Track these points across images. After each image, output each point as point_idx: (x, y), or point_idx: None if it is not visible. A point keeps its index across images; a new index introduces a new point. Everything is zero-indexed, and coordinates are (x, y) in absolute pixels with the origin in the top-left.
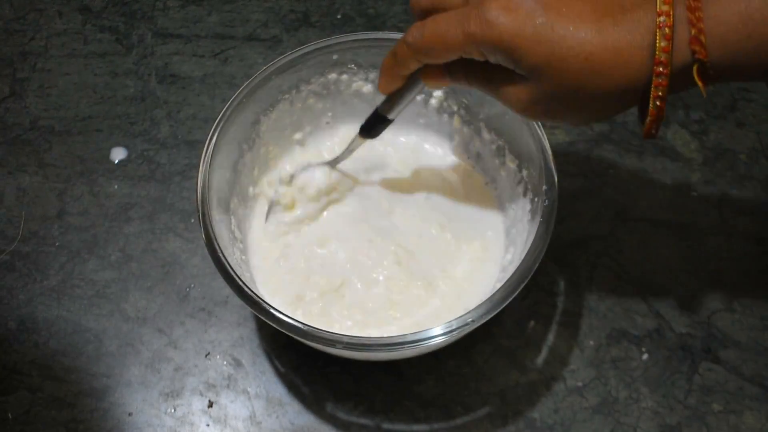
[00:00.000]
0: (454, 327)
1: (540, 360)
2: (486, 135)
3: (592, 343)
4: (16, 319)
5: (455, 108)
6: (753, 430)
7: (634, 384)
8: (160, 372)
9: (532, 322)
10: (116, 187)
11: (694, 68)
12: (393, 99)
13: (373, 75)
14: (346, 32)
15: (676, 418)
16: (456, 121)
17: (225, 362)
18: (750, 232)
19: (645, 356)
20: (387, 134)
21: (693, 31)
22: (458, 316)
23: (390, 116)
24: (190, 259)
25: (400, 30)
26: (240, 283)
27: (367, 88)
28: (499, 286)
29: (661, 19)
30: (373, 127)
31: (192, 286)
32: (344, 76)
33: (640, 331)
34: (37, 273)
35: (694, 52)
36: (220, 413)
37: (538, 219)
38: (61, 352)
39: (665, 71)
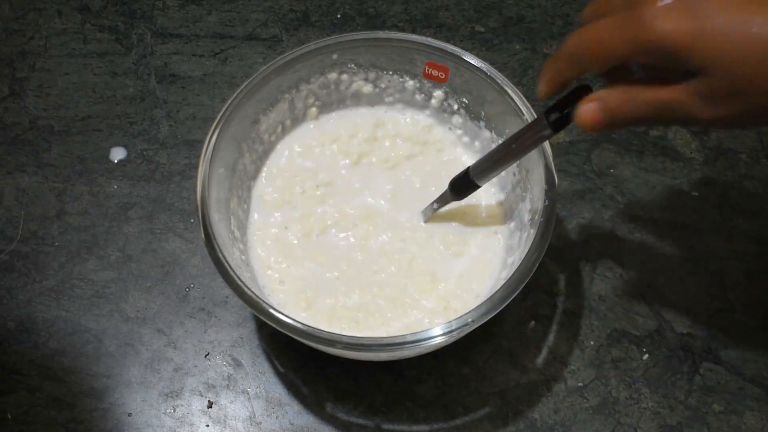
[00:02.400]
0: (454, 327)
1: (540, 360)
2: (486, 134)
3: (592, 343)
4: (15, 320)
5: (455, 107)
6: (753, 431)
7: (634, 384)
8: (160, 372)
9: (532, 322)
10: (116, 187)
11: None
12: (486, 167)
13: (372, 75)
14: (346, 32)
15: (676, 418)
16: (456, 121)
17: (225, 362)
18: (750, 232)
19: (645, 356)
20: (387, 133)
21: None
22: (458, 316)
23: (480, 184)
24: (190, 259)
25: (400, 29)
26: (239, 283)
27: (368, 88)
28: (499, 286)
29: None
30: (462, 189)
31: (192, 286)
32: (344, 76)
33: (641, 332)
34: (36, 273)
35: None
36: (220, 413)
37: (538, 219)
38: (61, 353)
39: None
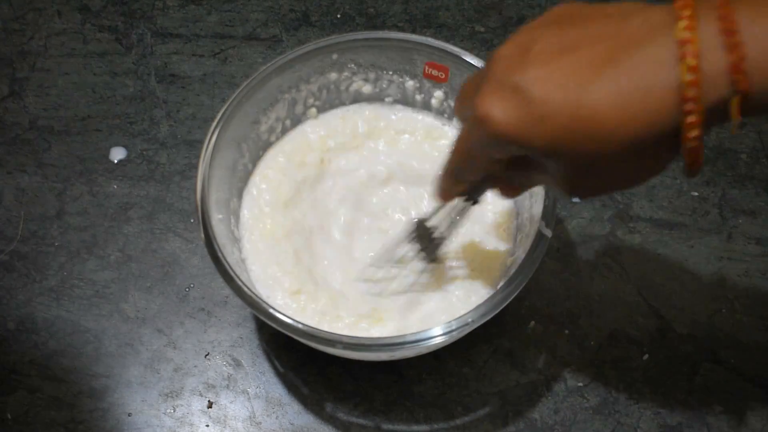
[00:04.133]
0: (453, 327)
1: (540, 360)
2: None
3: (592, 343)
4: (15, 320)
5: (453, 106)
6: (753, 431)
7: (634, 384)
8: (160, 372)
9: (532, 322)
10: (115, 186)
11: (734, 101)
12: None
13: (372, 75)
14: (346, 32)
15: (676, 418)
16: (457, 121)
17: (224, 362)
18: (750, 232)
19: (645, 356)
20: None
21: (732, 58)
22: (458, 316)
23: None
24: (190, 259)
25: (400, 29)
26: (239, 283)
27: (367, 88)
28: (499, 286)
29: (687, 48)
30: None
31: (192, 286)
32: (344, 76)
33: (641, 332)
34: (36, 273)
35: (734, 82)
36: (220, 413)
37: (538, 219)
38: (61, 353)
39: (697, 108)
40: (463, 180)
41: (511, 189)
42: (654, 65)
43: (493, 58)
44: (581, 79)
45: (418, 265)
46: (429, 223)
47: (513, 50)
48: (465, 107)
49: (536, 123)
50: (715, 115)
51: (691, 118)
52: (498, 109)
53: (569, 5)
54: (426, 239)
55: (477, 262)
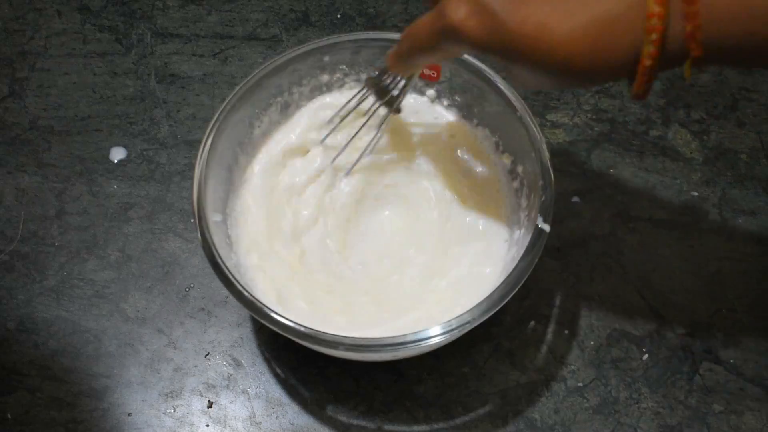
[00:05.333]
0: (453, 326)
1: (540, 360)
2: (480, 131)
3: (592, 343)
4: (15, 320)
5: (446, 104)
6: (754, 431)
7: (634, 384)
8: (160, 372)
9: (532, 322)
10: (115, 186)
11: (687, 62)
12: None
13: (364, 76)
14: (345, 32)
15: (676, 418)
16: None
17: (224, 362)
18: (750, 232)
19: (645, 356)
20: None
21: (689, 27)
22: (457, 315)
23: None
24: (190, 259)
25: (399, 29)
26: (239, 287)
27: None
28: (498, 285)
29: (653, 21)
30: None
31: (191, 286)
32: (336, 77)
33: (641, 332)
34: (36, 273)
35: (688, 49)
36: (220, 414)
37: (535, 217)
38: (61, 353)
39: (650, 71)
40: (414, 65)
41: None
42: (622, 23)
43: None
44: (555, 17)
45: (380, 115)
46: (383, 82)
47: None
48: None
49: (506, 45)
50: (669, 66)
51: (645, 77)
52: (471, 25)
53: None
54: (384, 94)
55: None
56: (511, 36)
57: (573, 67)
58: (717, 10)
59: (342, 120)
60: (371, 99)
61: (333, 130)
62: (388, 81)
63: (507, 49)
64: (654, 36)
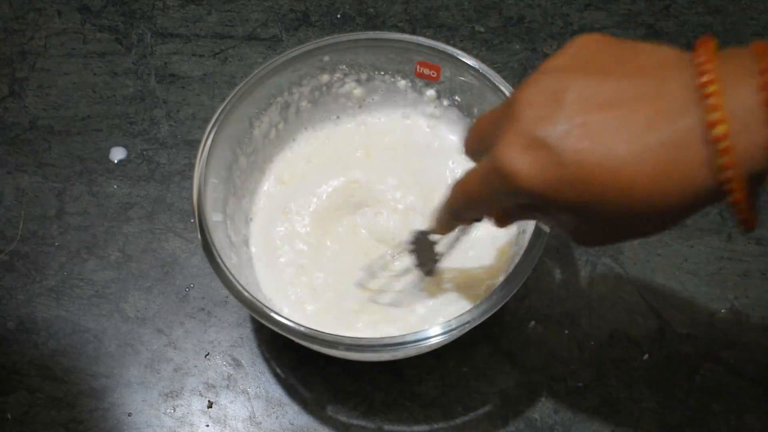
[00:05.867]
0: (453, 326)
1: (540, 360)
2: None
3: (592, 343)
4: (15, 320)
5: (446, 105)
6: (753, 431)
7: (634, 384)
8: (160, 372)
9: (532, 322)
10: (115, 186)
11: None
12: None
13: (364, 75)
14: (345, 32)
15: (676, 418)
16: (449, 119)
17: (224, 362)
18: (750, 232)
19: (645, 356)
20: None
21: None
22: (457, 315)
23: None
24: (190, 259)
25: (400, 30)
26: (239, 288)
27: (359, 89)
28: (498, 285)
29: (717, 130)
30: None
31: (191, 286)
32: (336, 77)
33: (641, 332)
34: (36, 273)
35: None
36: (220, 413)
37: None
38: (61, 353)
39: (736, 186)
40: (464, 219)
41: (506, 221)
42: (691, 138)
43: (518, 101)
44: (618, 144)
45: (414, 277)
46: (430, 237)
47: (541, 96)
48: (480, 149)
49: (566, 184)
50: (757, 180)
51: (735, 195)
52: (525, 165)
53: (595, 38)
54: (425, 252)
55: (476, 261)
56: (568, 169)
57: (641, 197)
58: None
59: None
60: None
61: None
62: (426, 246)
63: (565, 188)
64: (722, 145)
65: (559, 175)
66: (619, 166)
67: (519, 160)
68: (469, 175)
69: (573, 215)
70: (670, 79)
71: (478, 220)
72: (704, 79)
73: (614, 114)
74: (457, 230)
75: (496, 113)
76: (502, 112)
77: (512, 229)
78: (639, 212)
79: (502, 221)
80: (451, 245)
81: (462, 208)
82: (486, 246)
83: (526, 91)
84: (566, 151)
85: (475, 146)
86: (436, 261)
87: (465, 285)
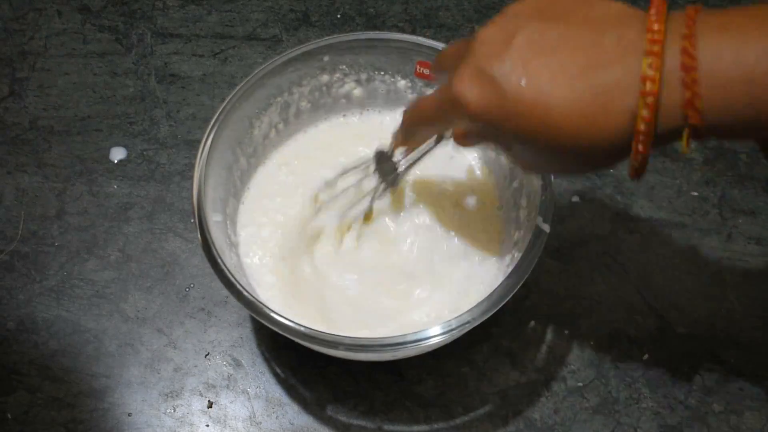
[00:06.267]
0: (453, 326)
1: (540, 360)
2: None
3: (592, 343)
4: (15, 320)
5: None
6: (753, 431)
7: (634, 384)
8: (160, 372)
9: (532, 322)
10: (116, 186)
11: (685, 132)
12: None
13: (364, 75)
14: (345, 32)
15: (676, 418)
16: None
17: (224, 362)
18: (750, 232)
19: (645, 356)
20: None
21: (687, 94)
22: (457, 315)
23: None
24: (190, 259)
25: (400, 30)
26: (239, 287)
27: (359, 89)
28: (498, 284)
29: (648, 86)
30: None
31: (191, 286)
32: (336, 77)
33: (641, 332)
34: (36, 273)
35: (686, 117)
36: (220, 413)
37: (535, 216)
38: (61, 353)
39: (646, 137)
40: (419, 137)
41: (466, 140)
42: (618, 89)
43: (478, 38)
44: (552, 84)
45: (378, 191)
46: (391, 155)
47: (496, 35)
48: (441, 74)
49: (506, 115)
50: (667, 137)
51: (641, 146)
52: (473, 94)
53: None
54: (387, 167)
55: (476, 261)
56: (509, 102)
57: (569, 135)
58: (717, 79)
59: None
60: (373, 178)
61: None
62: (391, 162)
63: (505, 118)
64: (649, 99)
65: (501, 106)
66: (551, 106)
67: (469, 90)
68: (427, 98)
69: (515, 143)
70: (611, 32)
71: (439, 140)
72: (650, 37)
73: (554, 58)
74: (419, 149)
75: (462, 45)
76: (466, 45)
77: (475, 153)
78: (566, 149)
79: (461, 140)
80: (413, 161)
81: (418, 126)
82: (456, 164)
83: (486, 30)
84: (508, 86)
85: (439, 68)
86: (397, 173)
87: (429, 197)
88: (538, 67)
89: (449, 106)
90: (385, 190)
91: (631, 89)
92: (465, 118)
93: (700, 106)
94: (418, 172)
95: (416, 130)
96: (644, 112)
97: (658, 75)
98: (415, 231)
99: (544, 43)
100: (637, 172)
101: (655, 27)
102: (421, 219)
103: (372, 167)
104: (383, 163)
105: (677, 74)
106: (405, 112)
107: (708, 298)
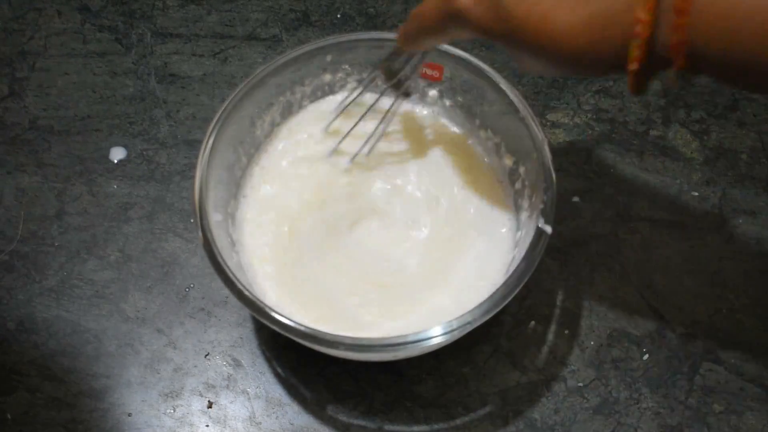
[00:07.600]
0: (454, 327)
1: (540, 360)
2: (482, 133)
3: (592, 343)
4: (15, 320)
5: (448, 105)
6: (753, 431)
7: (634, 384)
8: (160, 372)
9: (532, 322)
10: (115, 186)
11: (671, 71)
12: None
13: (366, 75)
14: (345, 32)
15: (676, 418)
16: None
17: (224, 363)
18: (750, 232)
19: (646, 356)
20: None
21: (674, 39)
22: (458, 316)
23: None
24: (190, 259)
25: None
26: (240, 287)
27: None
28: (498, 285)
29: (639, 27)
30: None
31: (191, 286)
32: (338, 76)
33: (641, 332)
34: (36, 273)
35: (674, 58)
36: (220, 414)
37: (536, 218)
38: (60, 353)
39: (637, 72)
40: (421, 44)
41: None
42: (613, 22)
43: None
44: (556, 10)
45: (385, 104)
46: (393, 66)
47: None
48: None
49: (502, 23)
50: (657, 66)
51: (633, 78)
52: (472, 3)
53: None
54: (395, 75)
55: (476, 261)
56: (514, 25)
57: (572, 58)
58: (706, 24)
59: (346, 107)
60: (378, 90)
61: (337, 116)
62: (398, 64)
63: (510, 37)
64: (639, 41)
65: (503, 25)
66: (546, 18)
67: (473, 7)
68: (426, 5)
69: (515, 51)
70: None
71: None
72: None
73: None
74: (419, 54)
75: None
76: None
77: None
78: (566, 63)
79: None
80: (416, 67)
81: (419, 34)
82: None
83: None
84: (511, 8)
85: None
86: (403, 83)
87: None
88: None
89: (452, 19)
90: (397, 98)
91: (628, 26)
92: (463, 27)
93: (686, 51)
94: (415, 168)
95: (418, 38)
96: (635, 52)
97: (650, 18)
98: (415, 231)
99: None
100: (636, 93)
101: None
102: (421, 218)
103: (378, 78)
104: (387, 70)
105: (670, 17)
106: (408, 19)
107: (708, 298)
